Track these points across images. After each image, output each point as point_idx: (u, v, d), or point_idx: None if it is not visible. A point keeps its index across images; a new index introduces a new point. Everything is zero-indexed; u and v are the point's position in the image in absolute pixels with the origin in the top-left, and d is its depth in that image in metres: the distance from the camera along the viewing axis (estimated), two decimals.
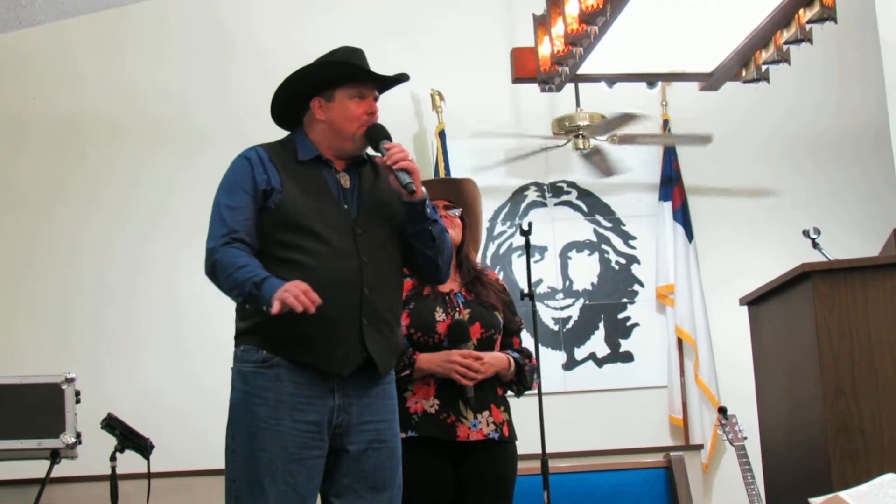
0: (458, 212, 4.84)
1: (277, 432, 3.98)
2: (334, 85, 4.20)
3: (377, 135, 4.18)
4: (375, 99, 4.27)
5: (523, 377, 4.73)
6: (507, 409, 4.70)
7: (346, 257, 4.06)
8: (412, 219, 4.17)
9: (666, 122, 8.04)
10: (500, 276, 5.00)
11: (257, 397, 4.02)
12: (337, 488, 4.11)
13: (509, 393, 4.78)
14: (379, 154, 4.18)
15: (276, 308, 3.78)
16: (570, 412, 7.37)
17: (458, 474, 4.62)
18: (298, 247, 4.05)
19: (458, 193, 4.90)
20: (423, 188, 4.15)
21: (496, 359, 4.64)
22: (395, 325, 4.20)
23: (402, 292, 4.33)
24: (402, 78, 4.36)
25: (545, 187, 8.01)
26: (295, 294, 3.80)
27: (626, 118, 7.46)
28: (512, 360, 4.69)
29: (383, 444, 4.14)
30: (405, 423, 4.59)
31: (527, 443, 4.74)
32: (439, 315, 4.66)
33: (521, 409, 4.75)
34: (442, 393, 4.58)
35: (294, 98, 4.25)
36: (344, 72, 4.22)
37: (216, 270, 4.03)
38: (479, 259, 5.01)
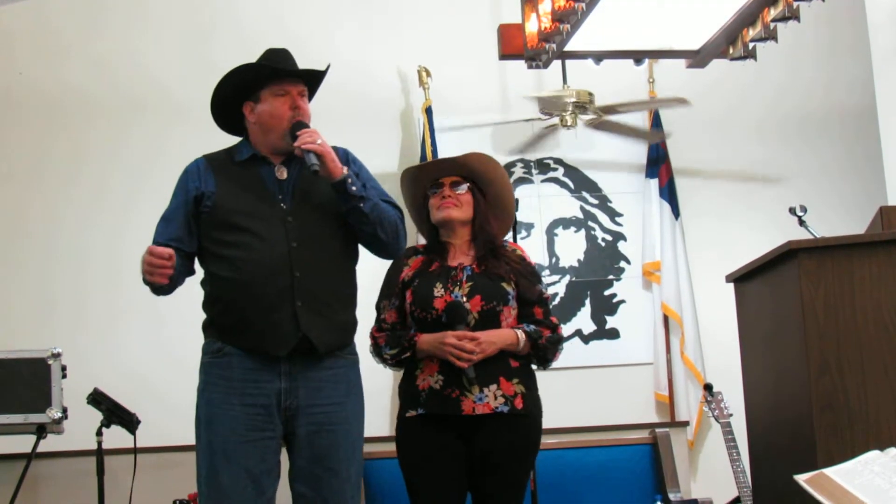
0: (464, 188, 4.83)
1: (229, 416, 4.25)
2: (259, 86, 4.42)
3: (295, 127, 4.37)
4: (302, 94, 4.46)
5: (539, 350, 4.71)
6: (525, 382, 4.67)
7: (276, 245, 4.28)
8: (340, 199, 4.36)
9: (653, 98, 8.02)
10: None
11: (212, 385, 4.32)
12: (295, 471, 4.38)
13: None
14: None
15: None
16: (556, 388, 7.35)
17: (469, 450, 4.62)
18: (231, 242, 4.31)
19: (464, 169, 4.88)
20: (345, 168, 4.34)
21: (498, 336, 4.61)
22: (341, 306, 4.42)
23: (351, 273, 4.51)
24: (319, 71, 4.53)
25: (532, 164, 8.01)
26: (145, 270, 4.22)
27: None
28: (522, 333, 4.67)
29: (335, 426, 4.33)
30: (414, 401, 4.64)
31: None
32: (438, 291, 4.66)
33: None
34: (446, 369, 4.58)
35: (229, 105, 4.49)
36: (265, 72, 4.42)
37: (144, 278, 4.34)
38: None
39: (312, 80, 4.53)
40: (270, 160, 4.44)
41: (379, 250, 4.54)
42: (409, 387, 4.70)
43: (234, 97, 4.47)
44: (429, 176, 4.91)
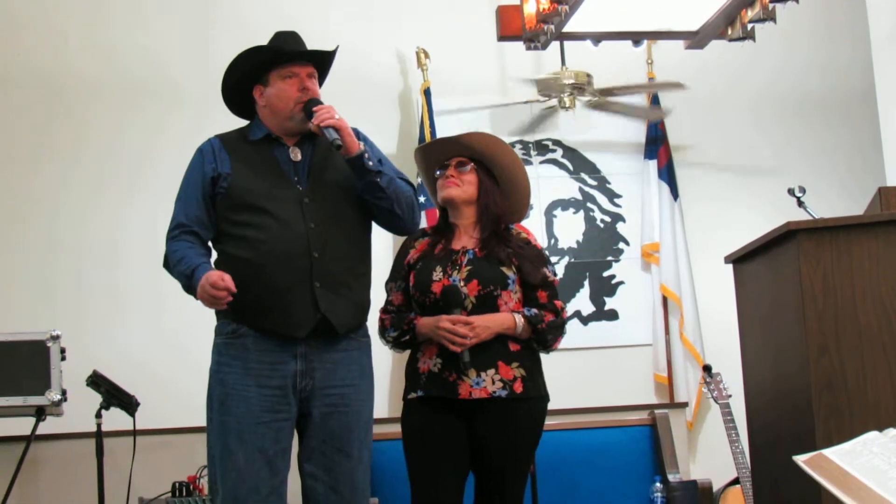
0: (468, 168, 4.81)
1: (244, 397, 4.26)
2: (266, 69, 4.45)
3: (310, 104, 4.40)
4: (311, 76, 4.48)
5: (538, 335, 4.69)
6: (526, 365, 4.65)
7: (294, 226, 4.30)
8: (357, 175, 4.39)
9: (651, 81, 8.01)
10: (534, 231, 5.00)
11: (227, 366, 4.32)
12: (307, 452, 4.37)
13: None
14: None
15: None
16: (555, 370, 7.36)
17: (470, 433, 4.63)
18: (248, 223, 4.32)
19: (467, 148, 4.86)
20: (361, 144, 4.39)
21: (493, 320, 4.60)
22: (358, 286, 4.44)
23: (366, 253, 4.54)
24: (326, 52, 4.55)
25: (530, 145, 7.99)
26: (203, 297, 4.19)
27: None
28: (520, 317, 4.66)
29: (348, 407, 4.37)
30: (415, 384, 4.65)
31: None
32: (436, 275, 4.66)
33: None
34: (444, 352, 4.59)
35: (239, 90, 4.51)
36: (268, 56, 4.45)
37: (166, 264, 4.42)
38: None
39: (320, 60, 4.54)
40: (284, 141, 4.47)
41: (395, 226, 4.60)
42: (411, 369, 4.73)
43: (244, 82, 4.49)
44: (438, 157, 4.90)
